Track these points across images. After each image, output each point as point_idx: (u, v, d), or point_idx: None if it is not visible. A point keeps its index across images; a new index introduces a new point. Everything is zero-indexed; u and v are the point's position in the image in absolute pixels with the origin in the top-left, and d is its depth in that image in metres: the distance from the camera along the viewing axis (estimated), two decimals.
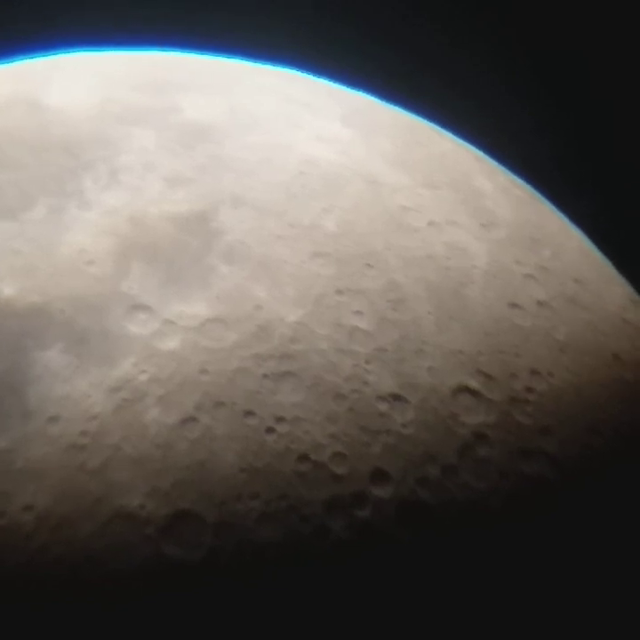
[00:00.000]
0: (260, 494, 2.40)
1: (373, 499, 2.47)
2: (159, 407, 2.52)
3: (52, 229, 2.92)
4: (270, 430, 2.55)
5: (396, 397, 2.68)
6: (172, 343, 2.68)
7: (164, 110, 3.37)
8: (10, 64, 3.65)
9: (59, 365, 2.59)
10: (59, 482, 2.33)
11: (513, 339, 2.96)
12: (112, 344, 2.65)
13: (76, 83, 3.50)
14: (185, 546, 2.31)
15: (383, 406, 2.65)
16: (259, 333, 2.76)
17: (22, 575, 2.25)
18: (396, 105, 3.94)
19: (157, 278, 2.84)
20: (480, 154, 4.00)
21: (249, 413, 2.57)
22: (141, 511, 2.33)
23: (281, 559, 2.32)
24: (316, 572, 2.34)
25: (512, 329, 2.99)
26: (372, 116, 3.80)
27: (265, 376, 2.67)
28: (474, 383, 2.79)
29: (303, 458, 2.50)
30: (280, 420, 2.59)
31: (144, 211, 3.02)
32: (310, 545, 2.35)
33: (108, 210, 3.01)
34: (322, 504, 2.42)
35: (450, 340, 2.86)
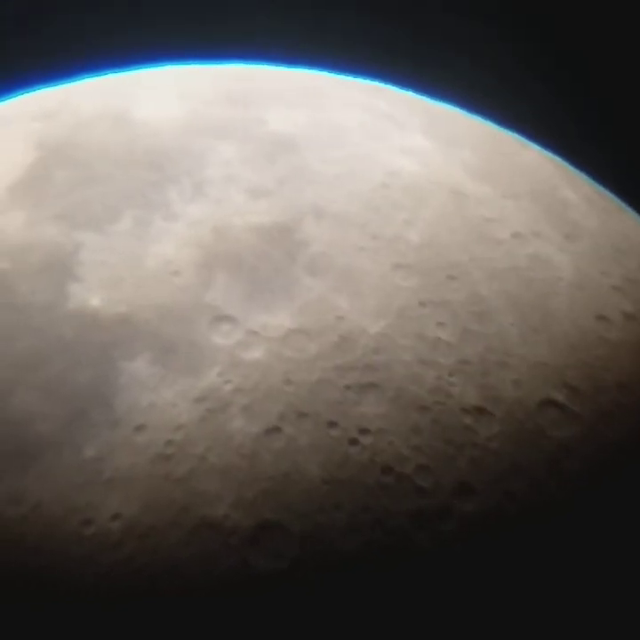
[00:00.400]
0: (343, 506, 2.40)
1: (458, 512, 2.44)
2: (243, 417, 2.53)
3: (138, 241, 2.97)
4: (353, 442, 2.55)
5: (481, 410, 2.65)
6: (255, 354, 2.69)
7: (248, 123, 3.40)
8: (98, 78, 3.73)
9: (145, 375, 2.63)
10: (145, 491, 2.36)
11: (600, 352, 2.91)
12: (197, 354, 2.68)
13: (162, 97, 3.56)
14: (269, 556, 2.32)
15: (467, 419, 2.63)
16: (341, 344, 2.76)
17: (100, 586, 2.28)
18: (478, 115, 3.92)
19: (241, 289, 2.86)
20: (563, 164, 3.95)
21: (332, 424, 2.58)
22: (226, 521, 2.34)
23: (365, 571, 2.31)
24: (400, 584, 2.32)
25: (599, 342, 2.94)
26: (454, 126, 3.79)
27: (348, 387, 2.67)
28: (560, 396, 2.74)
29: (387, 470, 2.49)
30: (363, 431, 2.59)
31: (228, 222, 3.04)
32: (394, 557, 2.34)
33: (192, 222, 3.04)
34: (406, 517, 2.41)
35: (535, 353, 2.83)
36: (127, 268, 2.89)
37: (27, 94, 3.69)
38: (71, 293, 2.83)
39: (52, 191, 3.12)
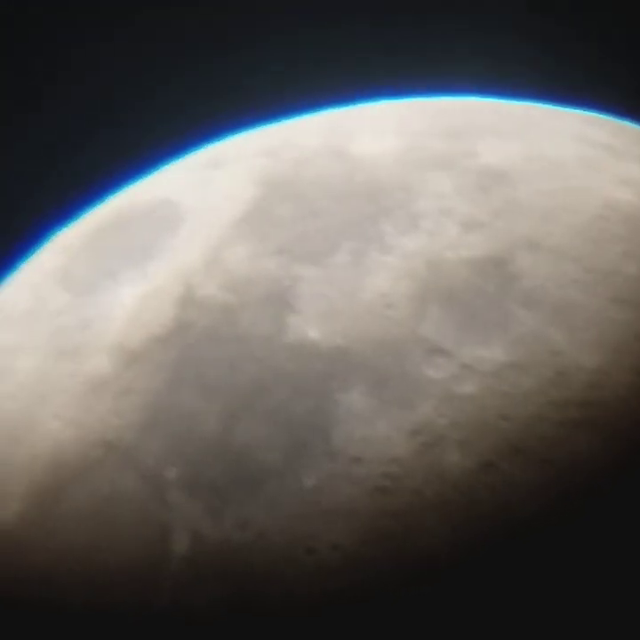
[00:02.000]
0: None
1: None
2: (459, 452, 2.55)
3: (354, 274, 3.05)
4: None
5: None
6: (469, 387, 2.71)
7: (462, 155, 3.42)
8: (318, 115, 3.85)
9: (360, 408, 2.69)
10: (364, 523, 2.43)
11: None
12: (411, 387, 2.72)
13: (379, 130, 3.63)
14: None
15: None
16: (556, 379, 2.73)
17: (323, 616, 2.36)
18: None
19: (454, 322, 2.88)
20: None
21: (546, 462, 2.56)
22: (443, 556, 2.37)
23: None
24: None
25: None
26: None
27: (562, 423, 2.64)
28: None
29: None
30: (577, 468, 2.56)
31: (441, 255, 3.07)
32: None
33: (406, 254, 3.09)
34: None
35: None
36: (343, 300, 2.97)
37: (251, 132, 3.86)
38: (290, 325, 2.94)
39: (273, 225, 3.25)
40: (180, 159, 3.84)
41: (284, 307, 2.99)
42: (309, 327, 2.92)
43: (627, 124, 3.90)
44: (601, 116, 3.88)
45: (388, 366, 2.78)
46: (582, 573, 2.47)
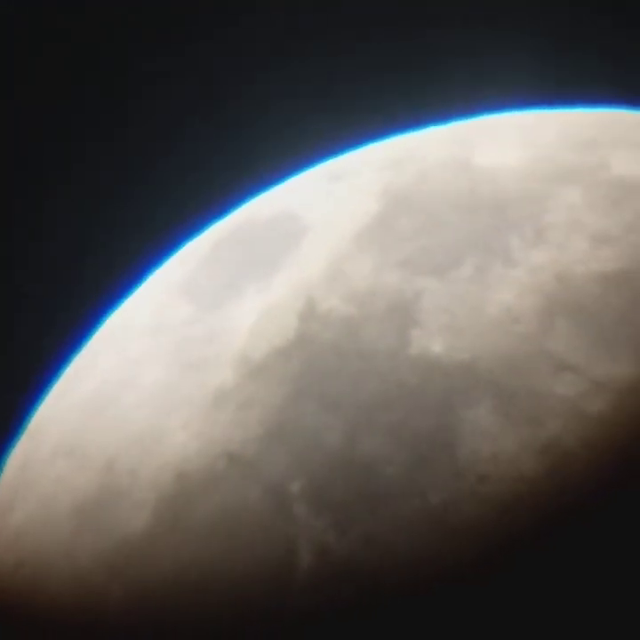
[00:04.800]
0: None
1: None
2: (588, 472, 2.48)
3: (478, 288, 3.00)
4: None
5: None
6: (600, 405, 2.63)
7: (592, 167, 3.34)
8: (442, 127, 3.82)
9: (486, 424, 2.64)
10: (491, 542, 2.38)
11: None
12: (539, 404, 2.66)
13: (504, 143, 3.58)
14: None
15: None
16: None
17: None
18: None
19: (584, 338, 2.81)
20: None
21: None
22: None
23: None
24: None
25: None
26: None
27: None
28: None
29: None
30: None
31: (570, 269, 3.00)
32: None
33: (533, 268, 3.03)
34: None
35: None
36: (468, 314, 2.93)
37: (374, 145, 3.86)
38: (413, 339, 2.91)
39: (396, 238, 3.24)
40: (302, 173, 3.87)
41: (407, 320, 2.96)
42: (433, 341, 2.88)
43: None
44: None
45: (515, 382, 2.73)
46: None
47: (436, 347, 2.87)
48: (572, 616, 2.33)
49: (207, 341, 3.17)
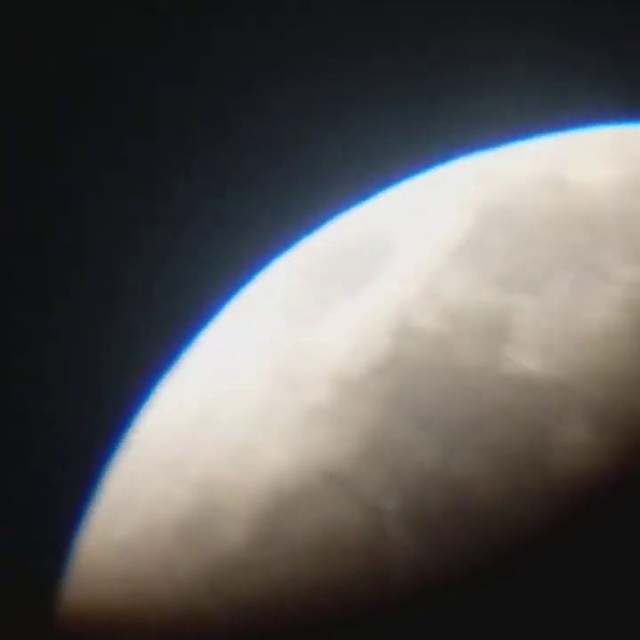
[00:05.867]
0: None
1: None
2: None
3: (573, 305, 2.99)
4: None
5: None
6: None
7: None
8: (534, 142, 3.81)
9: (582, 443, 2.63)
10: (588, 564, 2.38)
11: None
12: (636, 423, 2.64)
13: (597, 158, 3.55)
14: None
15: None
16: None
17: None
18: None
19: None
20: None
21: None
22: None
23: None
24: None
25: None
26: None
27: None
28: None
29: None
30: None
31: None
32: None
33: (629, 285, 3.00)
34: None
35: None
36: (562, 331, 2.92)
37: (466, 160, 3.86)
38: (507, 356, 2.91)
39: (489, 255, 3.24)
40: (394, 188, 3.89)
41: (501, 338, 2.96)
42: (527, 359, 2.88)
43: None
44: None
45: (611, 400, 2.71)
46: None
47: (531, 364, 2.86)
48: None
49: (302, 358, 3.22)
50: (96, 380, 5.36)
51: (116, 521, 3.29)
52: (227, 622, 2.77)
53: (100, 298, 5.55)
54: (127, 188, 5.63)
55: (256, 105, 5.62)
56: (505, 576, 2.44)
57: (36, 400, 5.43)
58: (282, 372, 3.21)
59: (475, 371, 2.90)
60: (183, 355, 3.73)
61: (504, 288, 3.10)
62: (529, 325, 2.97)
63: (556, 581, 2.41)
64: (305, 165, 5.50)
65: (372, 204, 3.92)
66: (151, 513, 3.13)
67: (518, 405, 2.77)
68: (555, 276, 3.08)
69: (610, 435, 2.63)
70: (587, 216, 3.26)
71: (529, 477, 2.59)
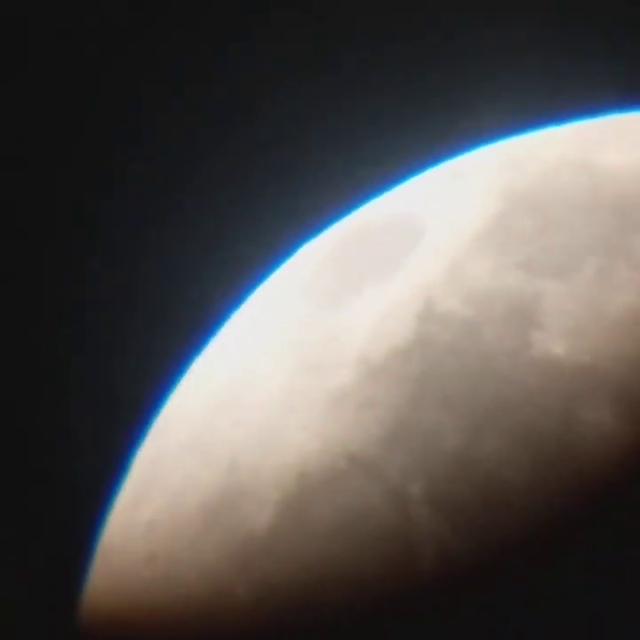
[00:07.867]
0: None
1: None
2: None
3: (600, 289, 2.97)
4: None
5: None
6: None
7: None
8: (562, 126, 3.78)
9: (609, 427, 2.62)
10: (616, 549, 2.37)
11: None
12: None
13: (625, 142, 3.52)
14: None
15: None
16: None
17: None
18: None
19: None
20: None
21: None
22: None
23: None
24: None
25: None
26: None
27: None
28: None
29: None
30: None
31: None
32: None
33: None
34: None
35: None
36: (590, 316, 2.90)
37: (494, 145, 3.84)
38: (534, 341, 2.90)
39: (515, 239, 3.22)
40: (422, 173, 3.88)
41: (528, 322, 2.95)
42: (554, 343, 2.87)
43: None
44: None
45: (638, 385, 2.69)
46: None
47: (558, 348, 2.85)
48: None
49: (327, 342, 3.22)
50: (123, 366, 5.39)
51: (142, 503, 3.31)
52: (253, 604, 2.79)
53: (125, 285, 5.59)
54: (143, 189, 5.65)
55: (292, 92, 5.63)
56: (532, 559, 2.44)
57: (63, 384, 5.47)
58: (307, 356, 3.22)
59: (501, 355, 2.89)
60: (209, 340, 3.74)
61: (531, 273, 3.08)
62: (556, 310, 2.95)
63: (584, 564, 2.41)
64: (332, 152, 5.49)
65: (399, 190, 3.91)
66: (178, 495, 3.15)
67: (545, 389, 2.76)
68: (581, 260, 3.06)
69: (636, 418, 2.61)
70: (614, 200, 3.23)
71: (555, 461, 2.58)
